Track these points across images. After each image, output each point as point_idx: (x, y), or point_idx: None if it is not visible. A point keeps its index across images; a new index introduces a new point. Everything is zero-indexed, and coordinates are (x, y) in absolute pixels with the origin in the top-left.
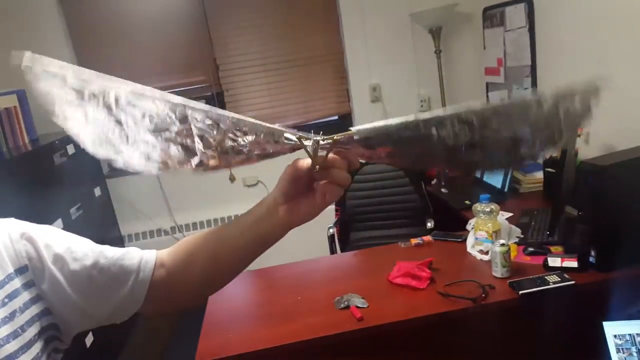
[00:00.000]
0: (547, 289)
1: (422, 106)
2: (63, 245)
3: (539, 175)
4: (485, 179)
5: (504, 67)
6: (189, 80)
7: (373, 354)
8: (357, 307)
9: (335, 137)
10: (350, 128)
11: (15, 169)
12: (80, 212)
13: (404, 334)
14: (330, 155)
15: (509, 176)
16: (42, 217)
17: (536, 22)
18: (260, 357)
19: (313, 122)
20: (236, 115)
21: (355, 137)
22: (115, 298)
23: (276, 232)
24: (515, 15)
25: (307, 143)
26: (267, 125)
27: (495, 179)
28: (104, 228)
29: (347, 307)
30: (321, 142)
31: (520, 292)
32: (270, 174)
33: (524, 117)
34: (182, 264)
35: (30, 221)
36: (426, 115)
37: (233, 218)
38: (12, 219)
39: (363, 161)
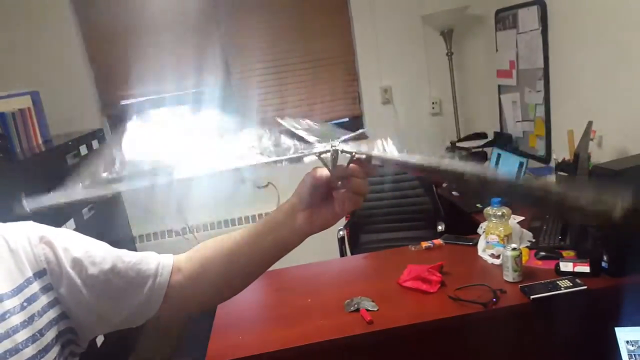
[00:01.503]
0: (559, 294)
1: (433, 108)
2: (81, 249)
3: (551, 178)
4: None
5: (517, 69)
6: (200, 81)
7: (383, 358)
8: (367, 310)
9: (354, 155)
10: (372, 152)
11: (29, 170)
12: (93, 213)
13: (414, 338)
14: (350, 165)
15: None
16: (54, 217)
17: (549, 25)
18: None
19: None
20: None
21: (373, 162)
22: (132, 302)
23: (294, 238)
24: (528, 17)
25: (326, 154)
26: (286, 157)
27: None
28: (115, 228)
29: (357, 310)
30: (340, 152)
31: (532, 296)
32: (280, 176)
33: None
34: (199, 269)
35: (44, 222)
36: (447, 163)
37: (243, 219)
38: (31, 222)
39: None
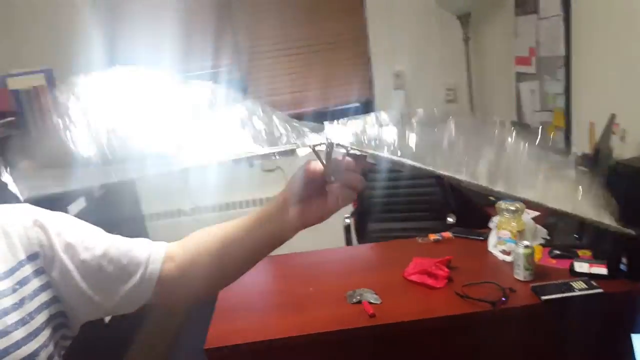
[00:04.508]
0: (572, 296)
1: (448, 95)
2: (75, 234)
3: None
4: None
5: (536, 57)
6: (211, 64)
7: (383, 353)
8: (370, 302)
9: (349, 150)
10: (366, 151)
11: (42, 147)
12: (104, 191)
13: (416, 334)
14: (345, 159)
15: None
16: (66, 195)
17: (572, 10)
18: (269, 348)
19: (334, 108)
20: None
21: (369, 160)
22: (124, 289)
23: (285, 232)
24: (550, 2)
25: (321, 148)
26: (280, 148)
27: None
28: (126, 207)
29: (359, 302)
30: (335, 147)
31: (543, 297)
32: (288, 161)
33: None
34: (190, 259)
35: (56, 199)
36: (443, 172)
37: (251, 202)
38: (26, 204)
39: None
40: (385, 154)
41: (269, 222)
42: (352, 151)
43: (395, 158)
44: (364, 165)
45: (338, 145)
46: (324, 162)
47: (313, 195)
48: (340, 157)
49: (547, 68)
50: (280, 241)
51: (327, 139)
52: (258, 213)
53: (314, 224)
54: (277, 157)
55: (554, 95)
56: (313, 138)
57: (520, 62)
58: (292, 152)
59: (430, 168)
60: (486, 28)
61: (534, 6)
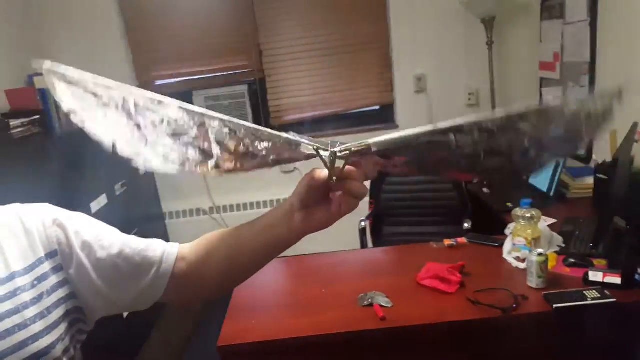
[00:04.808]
0: (585, 304)
1: (469, 99)
2: (92, 233)
3: (590, 180)
4: (531, 181)
5: (561, 62)
6: (232, 65)
7: (393, 356)
8: (381, 306)
9: (352, 149)
10: (368, 140)
11: (66, 145)
12: (125, 189)
13: (427, 339)
14: (347, 167)
15: (556, 179)
16: (88, 192)
17: (599, 16)
18: (280, 347)
19: (354, 111)
20: (252, 125)
21: (373, 149)
22: (137, 287)
23: (290, 237)
24: (577, 7)
25: (324, 154)
26: (285, 135)
27: (542, 182)
28: (146, 205)
29: (371, 305)
30: (338, 154)
31: (555, 305)
32: (307, 162)
33: (546, 122)
34: (201, 261)
35: (78, 196)
36: (444, 123)
37: (268, 202)
38: (47, 205)
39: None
40: (386, 137)
41: (275, 226)
42: (354, 149)
43: (397, 135)
44: (368, 171)
45: (341, 151)
46: (328, 168)
47: (318, 201)
48: (342, 166)
49: (572, 74)
50: (287, 245)
51: (329, 146)
52: (266, 217)
53: (318, 230)
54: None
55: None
56: (314, 142)
57: (544, 67)
58: (296, 147)
59: (432, 127)
60: (511, 32)
61: (560, 11)
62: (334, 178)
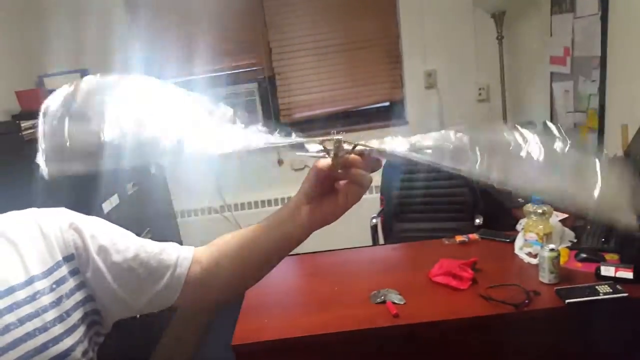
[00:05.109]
0: (597, 299)
1: (480, 94)
2: (108, 237)
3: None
4: None
5: (571, 56)
6: (241, 63)
7: (406, 352)
8: (394, 303)
9: (357, 144)
10: (372, 146)
11: None
12: (136, 188)
13: (440, 335)
14: (352, 155)
15: None
16: (99, 193)
17: (610, 10)
18: (293, 345)
19: (363, 107)
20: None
21: (376, 155)
22: (152, 290)
23: (299, 233)
24: (587, 0)
25: (329, 146)
26: (289, 140)
27: None
28: (157, 204)
29: (383, 302)
30: (343, 143)
31: (567, 300)
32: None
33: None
34: (214, 263)
35: (91, 195)
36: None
37: (279, 200)
38: (64, 209)
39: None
40: (388, 148)
41: (283, 223)
42: (358, 148)
43: (400, 153)
44: (373, 164)
45: (344, 141)
46: (332, 157)
47: (323, 194)
48: (347, 154)
49: (582, 68)
50: (296, 242)
51: (333, 134)
52: (274, 215)
53: (325, 224)
54: (282, 149)
55: (589, 96)
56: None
57: (554, 61)
58: (301, 146)
59: (437, 162)
60: (521, 27)
61: (570, 5)
62: (338, 167)
